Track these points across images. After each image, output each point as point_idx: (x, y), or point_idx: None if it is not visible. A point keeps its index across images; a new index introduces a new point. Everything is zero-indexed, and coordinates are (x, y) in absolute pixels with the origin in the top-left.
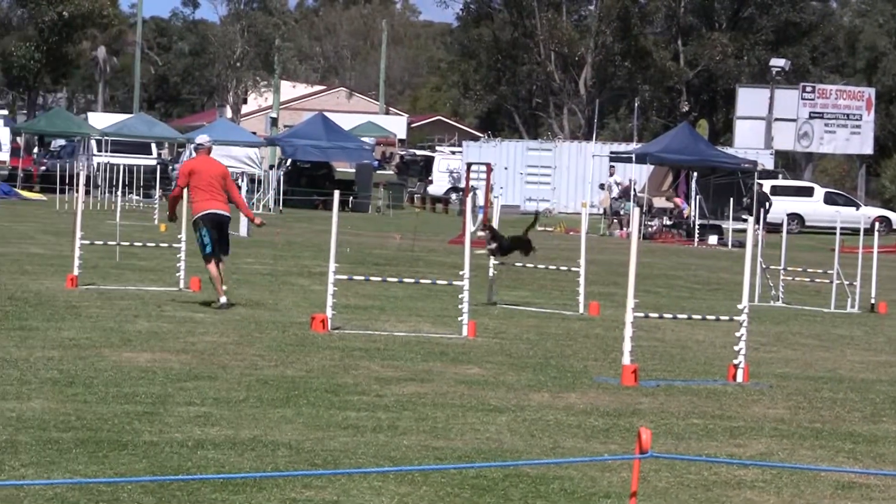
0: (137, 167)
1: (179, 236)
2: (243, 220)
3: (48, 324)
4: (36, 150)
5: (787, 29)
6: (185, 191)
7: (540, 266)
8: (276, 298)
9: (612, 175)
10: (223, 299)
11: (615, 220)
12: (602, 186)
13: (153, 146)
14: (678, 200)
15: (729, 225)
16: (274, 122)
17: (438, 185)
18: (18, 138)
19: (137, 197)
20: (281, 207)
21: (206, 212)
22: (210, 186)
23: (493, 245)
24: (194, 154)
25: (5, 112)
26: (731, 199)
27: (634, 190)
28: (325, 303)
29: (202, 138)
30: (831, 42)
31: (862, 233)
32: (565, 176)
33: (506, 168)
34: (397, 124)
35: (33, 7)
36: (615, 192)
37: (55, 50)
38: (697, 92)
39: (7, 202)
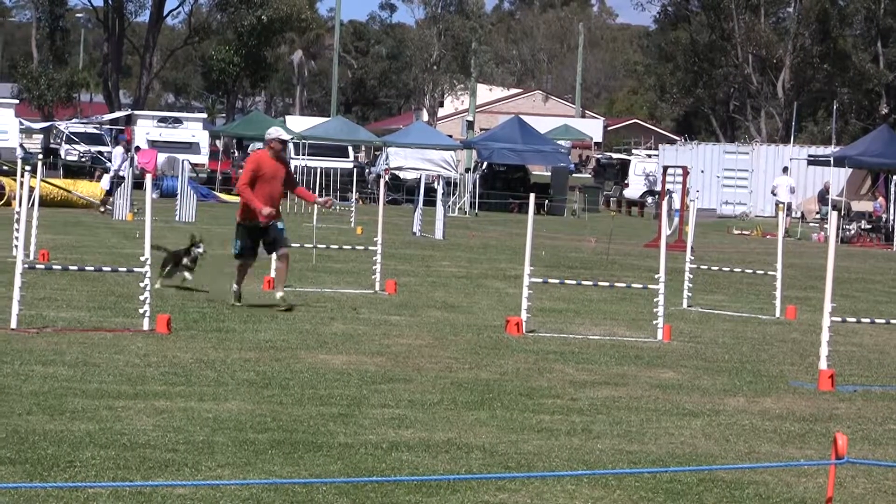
0: (335, 170)
1: (375, 239)
2: (438, 224)
3: (245, 325)
4: (234, 153)
5: None
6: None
7: (736, 269)
8: (471, 301)
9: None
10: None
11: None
12: (774, 190)
13: (350, 149)
14: (882, 201)
15: None
16: (470, 125)
17: (634, 188)
18: (217, 141)
19: (334, 200)
20: (476, 210)
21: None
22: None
23: None
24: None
25: (204, 115)
26: None
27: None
28: (520, 306)
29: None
30: None
31: None
32: (762, 179)
33: (702, 171)
34: (593, 127)
35: (233, 11)
36: (787, 195)
37: (254, 53)
38: None
39: (206, 205)
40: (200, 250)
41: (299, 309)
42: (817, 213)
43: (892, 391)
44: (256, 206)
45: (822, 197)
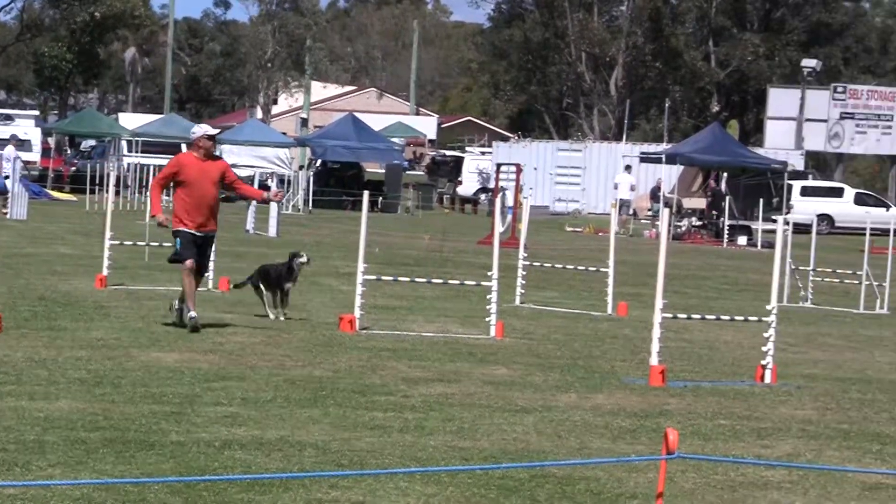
0: None
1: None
2: (272, 222)
3: (77, 324)
4: (67, 150)
5: (818, 29)
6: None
7: (569, 266)
8: (305, 299)
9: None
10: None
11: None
12: (616, 186)
13: (183, 147)
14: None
15: (759, 225)
16: (304, 122)
17: (468, 185)
18: (49, 139)
19: (167, 197)
20: (311, 208)
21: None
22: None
23: None
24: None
25: (36, 112)
26: (762, 200)
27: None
28: (354, 303)
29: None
30: (863, 42)
31: (892, 233)
32: (595, 177)
33: (535, 169)
34: (427, 125)
35: (65, 8)
36: (628, 192)
37: (87, 50)
38: (728, 93)
39: (38, 202)
40: (303, 259)
41: (131, 306)
42: (649, 209)
43: (722, 387)
44: (152, 210)
45: (654, 194)
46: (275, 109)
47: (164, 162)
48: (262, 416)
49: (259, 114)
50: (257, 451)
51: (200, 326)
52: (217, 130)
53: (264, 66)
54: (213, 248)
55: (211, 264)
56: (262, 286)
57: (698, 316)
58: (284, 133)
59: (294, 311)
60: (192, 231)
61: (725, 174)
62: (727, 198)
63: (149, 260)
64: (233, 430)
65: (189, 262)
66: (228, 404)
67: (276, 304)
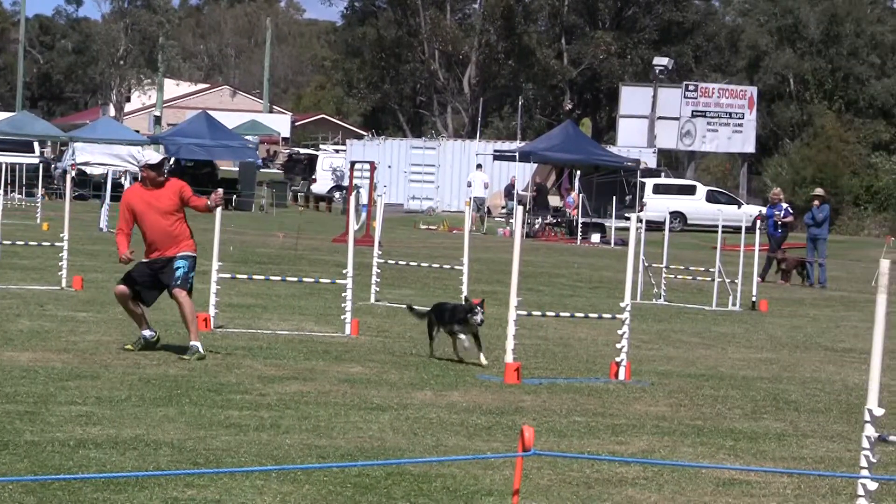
0: (20, 166)
1: (62, 234)
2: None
3: None
4: None
5: (670, 28)
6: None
7: (424, 264)
8: (160, 297)
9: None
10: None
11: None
12: (469, 184)
13: (36, 144)
14: (575, 195)
15: (612, 223)
16: (157, 120)
17: (322, 183)
18: None
19: (19, 196)
20: None
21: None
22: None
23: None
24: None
25: None
26: (615, 198)
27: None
28: (209, 301)
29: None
30: (714, 41)
31: (743, 231)
32: (449, 174)
33: (389, 167)
34: (281, 123)
35: None
36: (482, 190)
37: None
38: (581, 90)
39: None
40: (479, 319)
41: None
42: (503, 207)
43: (577, 383)
44: (118, 250)
45: (508, 192)
46: (128, 107)
47: (16, 160)
48: (117, 415)
49: (112, 111)
50: (112, 449)
51: (157, 340)
52: (159, 158)
53: (117, 64)
54: (179, 265)
55: (64, 262)
56: (434, 321)
57: (553, 313)
58: (138, 131)
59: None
60: (146, 261)
61: (579, 172)
62: (580, 195)
63: (1, 258)
64: (87, 429)
65: (117, 288)
66: (83, 403)
67: (432, 342)
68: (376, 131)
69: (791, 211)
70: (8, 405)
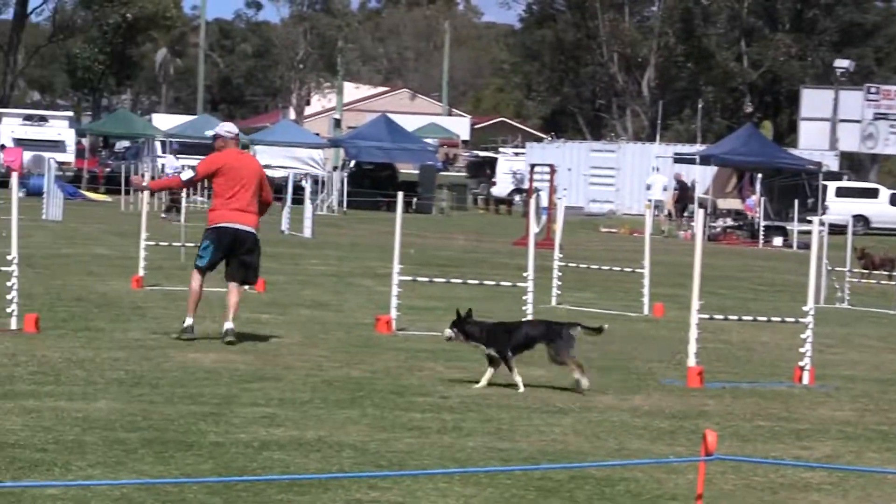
0: None
1: None
2: (307, 223)
3: (114, 325)
4: (101, 151)
5: (850, 30)
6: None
7: (604, 267)
8: (341, 299)
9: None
10: (189, 321)
11: (681, 220)
12: (648, 187)
13: None
14: (755, 198)
15: (794, 226)
16: (337, 123)
17: (502, 186)
18: (83, 140)
19: (202, 198)
20: (345, 209)
21: (221, 224)
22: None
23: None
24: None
25: (70, 114)
26: (797, 201)
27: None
28: (390, 304)
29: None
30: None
31: None
32: (629, 177)
33: (569, 169)
34: (460, 125)
35: (97, 9)
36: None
37: (119, 52)
38: (761, 93)
39: (72, 203)
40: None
41: (167, 307)
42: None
43: (760, 388)
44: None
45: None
46: (308, 110)
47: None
48: (300, 417)
49: (292, 115)
50: (296, 451)
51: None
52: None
53: (296, 68)
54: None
55: None
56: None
57: (735, 317)
58: (318, 134)
59: (329, 312)
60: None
61: (760, 175)
62: (762, 199)
63: (184, 260)
64: (271, 430)
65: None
66: (266, 405)
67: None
68: (556, 134)
69: None
70: (193, 406)
